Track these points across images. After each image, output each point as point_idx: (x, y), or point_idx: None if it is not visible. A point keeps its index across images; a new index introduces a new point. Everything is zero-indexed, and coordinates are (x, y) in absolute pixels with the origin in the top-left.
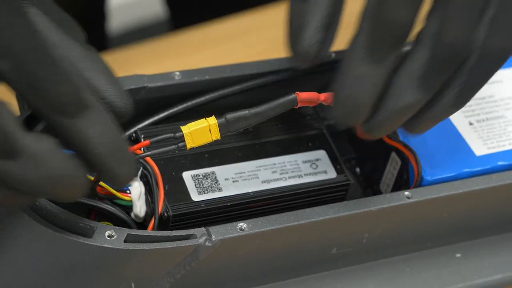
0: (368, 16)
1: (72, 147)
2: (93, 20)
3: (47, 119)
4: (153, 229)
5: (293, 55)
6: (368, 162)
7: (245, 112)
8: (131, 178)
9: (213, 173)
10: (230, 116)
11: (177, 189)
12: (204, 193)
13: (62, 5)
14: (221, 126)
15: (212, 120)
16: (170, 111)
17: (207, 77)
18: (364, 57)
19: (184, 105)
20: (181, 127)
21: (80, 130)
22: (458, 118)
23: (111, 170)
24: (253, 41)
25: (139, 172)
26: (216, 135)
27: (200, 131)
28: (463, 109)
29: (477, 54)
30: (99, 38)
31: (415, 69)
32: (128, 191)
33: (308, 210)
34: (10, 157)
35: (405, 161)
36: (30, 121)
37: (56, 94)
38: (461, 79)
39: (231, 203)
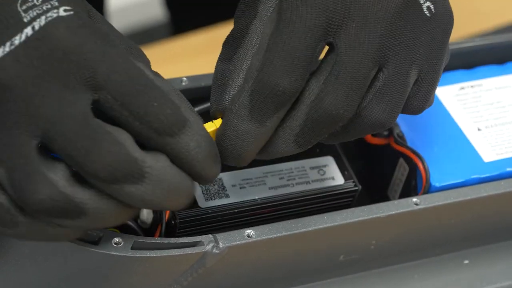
0: (251, 78)
1: (174, 159)
2: None
3: (150, 141)
4: (160, 236)
5: (212, 111)
6: (376, 168)
7: None
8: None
9: (220, 179)
10: None
11: None
12: (211, 199)
13: None
14: None
15: (219, 123)
16: None
17: None
18: (247, 116)
19: None
20: None
21: (183, 146)
22: (466, 124)
23: (206, 174)
24: None
25: None
26: None
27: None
28: (471, 114)
29: (354, 122)
30: None
31: (293, 127)
32: None
33: (315, 216)
34: (136, 181)
35: (413, 167)
36: None
37: (162, 116)
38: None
39: (238, 210)
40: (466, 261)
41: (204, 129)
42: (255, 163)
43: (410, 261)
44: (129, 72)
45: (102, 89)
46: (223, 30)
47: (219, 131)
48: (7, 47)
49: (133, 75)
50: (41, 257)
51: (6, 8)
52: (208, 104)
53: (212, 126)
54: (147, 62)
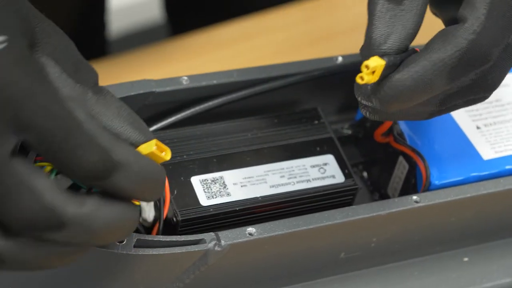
0: (463, 38)
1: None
2: (93, 27)
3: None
4: (157, 233)
5: (373, 51)
6: (376, 166)
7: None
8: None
9: (221, 177)
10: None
11: (185, 194)
12: (213, 197)
13: (62, 13)
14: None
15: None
16: (178, 115)
17: (214, 81)
18: (447, 72)
19: (192, 110)
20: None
21: (115, 186)
22: (465, 122)
23: (149, 199)
24: (256, 45)
25: None
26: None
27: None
28: (470, 113)
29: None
30: (99, 44)
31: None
32: None
33: (316, 214)
34: (57, 229)
35: (412, 165)
36: None
37: (86, 165)
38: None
39: (240, 208)
40: (466, 259)
41: (141, 164)
42: (256, 162)
43: (410, 258)
44: (55, 115)
45: (25, 131)
46: (221, 31)
47: (408, 74)
48: None
49: (59, 118)
50: None
51: None
52: (209, 103)
53: (149, 148)
54: (93, 80)
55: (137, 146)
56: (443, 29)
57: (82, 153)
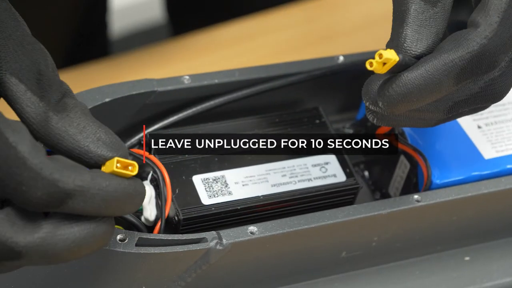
0: (475, 42)
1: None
2: (95, 27)
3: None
4: (159, 232)
5: (408, 51)
6: (377, 165)
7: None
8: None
9: (223, 176)
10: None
11: (187, 193)
12: (214, 196)
13: (64, 13)
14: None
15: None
16: (180, 115)
17: (216, 81)
18: (456, 73)
19: (194, 109)
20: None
21: (73, 210)
22: (466, 122)
23: (120, 214)
24: (257, 45)
25: (149, 176)
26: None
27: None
28: None
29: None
30: (101, 44)
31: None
32: None
33: (318, 213)
34: (15, 259)
35: (414, 165)
36: None
37: (33, 199)
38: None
39: (241, 207)
40: (467, 258)
41: (100, 186)
42: (257, 161)
43: (412, 257)
44: None
45: None
46: (222, 32)
47: (419, 73)
48: None
49: (2, 156)
50: None
51: None
52: (211, 103)
53: (110, 167)
54: (60, 93)
55: (102, 163)
56: (455, 33)
57: (26, 188)
